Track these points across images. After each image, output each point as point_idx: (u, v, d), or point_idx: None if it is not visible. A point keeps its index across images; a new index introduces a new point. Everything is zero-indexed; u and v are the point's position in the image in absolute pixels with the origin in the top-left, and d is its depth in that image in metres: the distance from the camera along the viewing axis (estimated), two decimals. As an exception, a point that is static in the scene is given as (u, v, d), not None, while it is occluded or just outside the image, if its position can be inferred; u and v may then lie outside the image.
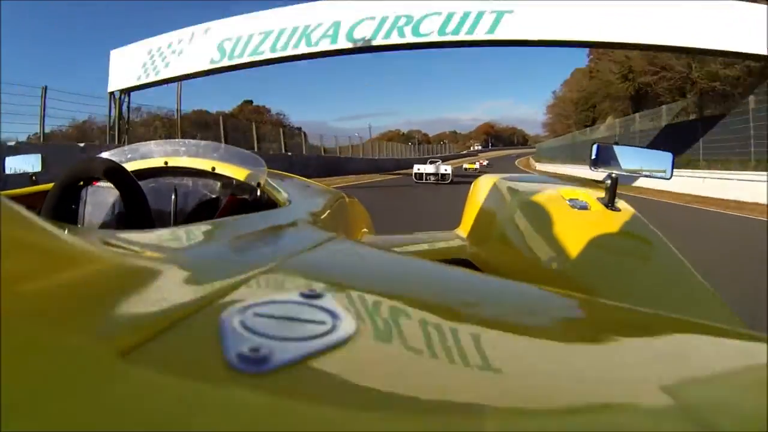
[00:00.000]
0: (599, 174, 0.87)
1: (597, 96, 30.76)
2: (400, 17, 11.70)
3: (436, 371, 0.22)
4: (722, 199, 8.33)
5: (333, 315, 0.25)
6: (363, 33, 12.00)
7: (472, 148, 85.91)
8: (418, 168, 15.94)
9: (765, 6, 9.42)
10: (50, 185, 0.87)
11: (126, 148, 1.12)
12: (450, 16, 11.41)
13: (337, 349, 0.22)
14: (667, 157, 0.88)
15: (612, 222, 0.82)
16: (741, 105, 12.66)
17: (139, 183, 0.87)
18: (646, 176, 0.89)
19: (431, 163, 16.91)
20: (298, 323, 0.24)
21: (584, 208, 0.85)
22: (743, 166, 10.49)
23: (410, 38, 11.79)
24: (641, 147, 0.92)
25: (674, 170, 0.87)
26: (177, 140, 1.16)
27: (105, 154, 0.99)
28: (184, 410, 0.16)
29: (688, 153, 13.21)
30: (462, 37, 11.50)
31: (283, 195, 0.97)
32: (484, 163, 37.75)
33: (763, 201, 7.21)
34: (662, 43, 10.58)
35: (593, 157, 0.88)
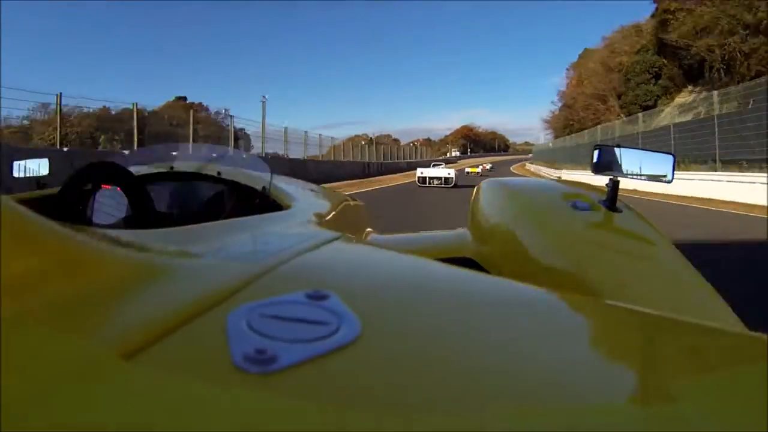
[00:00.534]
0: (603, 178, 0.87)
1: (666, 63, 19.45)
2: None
3: (440, 372, 0.22)
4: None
5: (338, 316, 0.25)
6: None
7: (449, 154, 77.13)
8: (421, 172, 15.62)
9: None
10: (56, 189, 0.89)
11: (133, 152, 1.14)
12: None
13: (342, 351, 0.22)
14: (668, 159, 0.89)
15: (613, 223, 0.83)
16: None
17: (145, 187, 0.88)
18: (648, 179, 0.89)
19: (434, 166, 16.75)
20: (304, 324, 0.24)
21: (585, 209, 0.86)
22: None
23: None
24: (643, 149, 0.92)
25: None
26: (185, 145, 1.17)
27: (112, 158, 1.00)
28: (189, 411, 0.16)
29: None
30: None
31: (288, 198, 0.97)
32: (488, 167, 37.75)
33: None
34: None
35: (595, 159, 0.89)
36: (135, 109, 12.03)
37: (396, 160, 30.05)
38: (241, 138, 16.73)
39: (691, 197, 9.80)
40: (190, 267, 0.33)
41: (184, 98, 35.46)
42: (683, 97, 17.96)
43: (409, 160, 32.35)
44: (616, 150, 0.88)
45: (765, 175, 8.23)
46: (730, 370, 0.26)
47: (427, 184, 15.01)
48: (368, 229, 1.26)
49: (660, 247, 0.77)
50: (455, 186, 14.31)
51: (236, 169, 1.11)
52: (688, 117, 15.02)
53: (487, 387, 0.21)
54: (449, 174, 15.15)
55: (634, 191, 9.89)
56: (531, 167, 35.70)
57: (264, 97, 18.71)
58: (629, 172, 0.87)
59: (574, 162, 21.30)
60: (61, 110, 9.52)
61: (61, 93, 9.39)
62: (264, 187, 1.02)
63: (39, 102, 10.53)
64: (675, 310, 0.62)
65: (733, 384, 0.24)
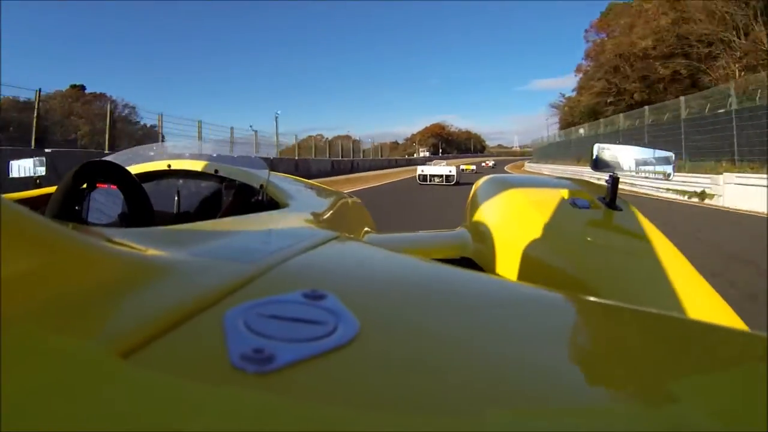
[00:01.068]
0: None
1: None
2: None
3: (438, 372, 0.22)
4: None
5: (336, 315, 0.25)
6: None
7: (417, 155, 69.69)
8: (422, 170, 15.50)
9: None
10: (54, 188, 0.88)
11: (129, 150, 1.13)
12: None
13: (340, 350, 0.22)
14: (669, 156, 0.88)
15: (613, 221, 0.83)
16: None
17: (143, 185, 0.88)
18: (648, 176, 0.89)
19: (435, 164, 16.65)
20: (301, 324, 0.24)
21: (585, 207, 0.86)
22: None
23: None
24: (643, 146, 0.92)
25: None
26: (181, 143, 1.17)
27: (109, 157, 1.00)
28: (186, 411, 0.16)
29: None
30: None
31: (285, 196, 0.97)
32: (491, 164, 37.85)
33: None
34: None
35: (594, 156, 0.88)
36: (38, 98, 9.32)
37: (353, 158, 27.64)
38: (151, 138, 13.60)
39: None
40: (187, 266, 0.33)
41: (82, 87, 27.94)
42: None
43: (364, 159, 30.25)
44: (617, 147, 0.88)
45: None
46: (730, 369, 0.26)
47: (428, 182, 14.88)
48: (366, 228, 1.26)
49: (659, 245, 0.77)
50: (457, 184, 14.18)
51: (234, 167, 1.10)
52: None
53: (486, 387, 0.21)
54: (450, 171, 14.98)
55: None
56: (531, 167, 31.13)
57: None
58: (630, 170, 0.87)
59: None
60: None
61: None
62: (261, 185, 1.02)
63: None
64: (674, 309, 0.62)
65: (733, 383, 0.24)
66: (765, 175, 8.28)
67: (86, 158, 0.91)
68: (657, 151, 0.90)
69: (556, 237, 0.79)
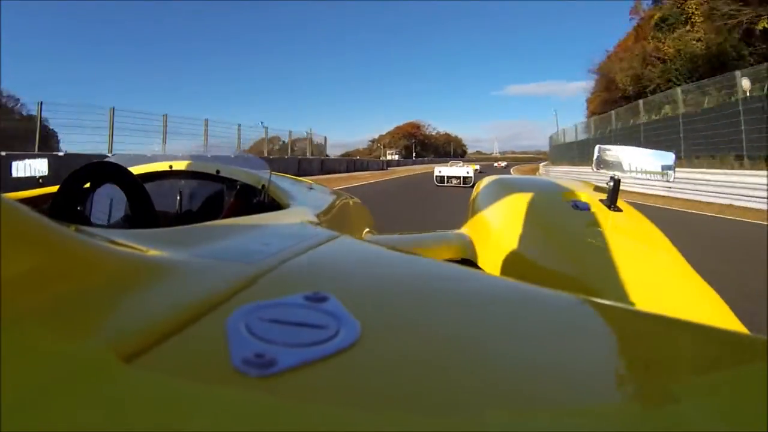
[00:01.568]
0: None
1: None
2: None
3: (440, 375, 0.22)
4: None
5: (338, 319, 0.25)
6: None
7: (384, 157, 56.82)
8: (439, 171, 15.33)
9: None
10: (56, 188, 0.88)
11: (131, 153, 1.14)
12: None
13: (341, 354, 0.22)
14: (669, 157, 0.88)
15: (613, 223, 0.83)
16: None
17: (145, 186, 0.88)
18: (648, 177, 0.89)
19: (452, 165, 16.54)
20: (303, 328, 0.24)
21: (586, 208, 0.86)
22: None
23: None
24: (643, 147, 0.92)
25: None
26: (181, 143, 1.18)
27: (111, 158, 1.00)
28: (188, 414, 0.16)
29: None
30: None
31: (287, 197, 0.97)
32: (503, 164, 37.50)
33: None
34: None
35: (595, 157, 0.88)
36: None
37: (314, 156, 25.36)
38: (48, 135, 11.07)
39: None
40: (189, 267, 0.33)
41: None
42: None
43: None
44: (617, 148, 0.88)
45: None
46: (730, 370, 0.26)
47: (445, 184, 14.68)
48: (367, 230, 1.26)
49: (660, 247, 0.77)
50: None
51: (235, 167, 1.11)
52: None
53: (487, 388, 0.21)
54: (468, 173, 14.72)
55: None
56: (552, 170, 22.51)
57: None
58: (630, 170, 0.87)
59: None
60: None
61: None
62: (263, 186, 1.02)
63: None
64: (674, 310, 0.62)
65: (733, 384, 0.24)
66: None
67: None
68: (658, 151, 0.90)
69: (557, 239, 0.79)
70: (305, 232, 0.62)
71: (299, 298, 0.27)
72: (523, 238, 0.81)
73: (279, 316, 0.25)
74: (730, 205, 8.63)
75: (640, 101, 15.86)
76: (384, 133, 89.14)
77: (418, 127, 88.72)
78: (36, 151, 9.36)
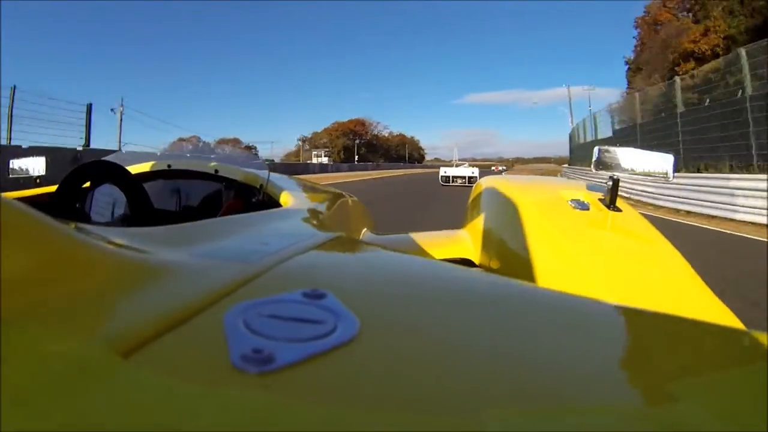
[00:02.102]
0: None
1: None
2: None
3: (438, 371, 0.22)
4: None
5: (336, 315, 0.25)
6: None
7: (312, 160, 49.23)
8: (444, 171, 15.84)
9: None
10: (54, 187, 0.88)
11: (129, 151, 1.13)
12: None
13: (340, 350, 0.22)
14: (669, 159, 0.89)
15: (613, 222, 0.83)
16: None
17: (143, 185, 0.88)
18: (647, 178, 0.89)
19: (457, 166, 16.87)
20: (301, 324, 0.24)
21: (585, 208, 0.86)
22: None
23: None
24: (643, 149, 0.92)
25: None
26: (181, 143, 1.17)
27: (109, 157, 1.00)
28: (187, 411, 0.16)
29: None
30: None
31: (285, 195, 0.97)
32: (501, 169, 37.64)
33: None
34: None
35: (595, 158, 0.89)
36: None
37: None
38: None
39: None
40: (188, 265, 0.33)
41: None
42: None
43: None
44: (617, 149, 0.88)
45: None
46: (730, 369, 0.26)
47: (450, 183, 15.11)
48: (365, 229, 1.26)
49: (659, 246, 0.77)
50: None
51: (233, 166, 1.10)
52: None
53: (485, 386, 0.21)
54: (473, 173, 15.16)
55: None
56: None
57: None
58: (630, 171, 0.87)
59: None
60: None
61: None
62: (261, 185, 1.02)
63: None
64: (673, 310, 0.62)
65: (733, 383, 0.24)
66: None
67: None
68: (658, 153, 0.91)
69: (557, 238, 0.79)
70: (304, 231, 0.62)
71: (297, 295, 0.27)
72: (522, 238, 0.81)
73: (277, 312, 0.25)
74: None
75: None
76: (320, 130, 68.57)
77: (363, 124, 68.72)
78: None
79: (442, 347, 0.25)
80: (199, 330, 0.23)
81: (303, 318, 0.24)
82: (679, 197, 8.13)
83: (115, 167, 0.87)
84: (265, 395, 0.18)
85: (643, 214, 0.91)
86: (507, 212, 0.95)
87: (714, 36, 16.53)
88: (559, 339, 0.29)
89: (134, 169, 1.11)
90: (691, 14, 18.52)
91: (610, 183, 0.86)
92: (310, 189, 1.20)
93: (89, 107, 11.48)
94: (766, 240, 5.22)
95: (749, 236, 5.52)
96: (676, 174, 0.90)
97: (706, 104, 9.13)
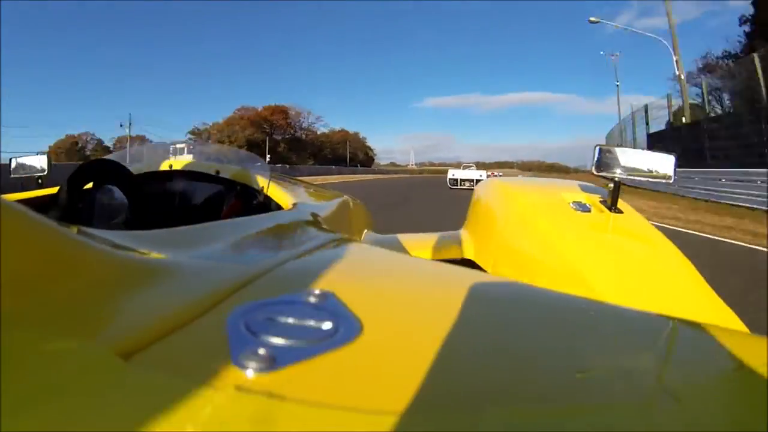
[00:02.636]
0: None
1: None
2: None
3: (440, 372, 0.22)
4: None
5: (338, 316, 0.25)
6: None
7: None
8: (452, 173, 16.04)
9: None
10: (56, 189, 0.88)
11: (132, 150, 1.14)
12: None
13: (341, 351, 0.22)
14: (670, 159, 0.88)
15: (614, 224, 0.83)
16: None
17: (144, 186, 0.88)
18: (649, 179, 0.89)
19: (465, 168, 17.00)
20: (302, 325, 0.24)
21: (587, 210, 0.86)
22: None
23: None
24: (644, 149, 0.92)
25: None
26: (182, 143, 1.17)
27: (110, 157, 1.00)
28: (189, 412, 0.16)
29: None
30: None
31: (287, 198, 0.97)
32: (499, 174, 37.56)
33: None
34: None
35: (596, 159, 0.88)
36: None
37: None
38: None
39: None
40: (189, 268, 0.33)
41: None
42: None
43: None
44: (618, 150, 0.88)
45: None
46: (731, 370, 0.27)
47: (458, 186, 15.28)
48: (365, 230, 1.26)
49: (661, 248, 0.77)
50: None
51: (235, 168, 1.11)
52: None
53: (486, 387, 0.21)
54: (481, 176, 15.25)
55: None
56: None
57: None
58: (631, 173, 0.87)
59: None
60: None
61: None
62: (263, 187, 1.02)
63: None
64: (675, 311, 0.62)
65: (734, 384, 0.24)
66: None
67: None
68: (659, 153, 0.90)
69: (558, 239, 0.79)
70: (305, 232, 0.62)
71: (299, 297, 0.27)
72: (523, 239, 0.81)
73: (279, 313, 0.25)
74: None
75: None
76: (221, 121, 46.57)
77: (284, 113, 47.40)
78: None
79: (443, 348, 0.25)
80: (201, 331, 0.23)
81: (304, 320, 0.24)
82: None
83: (117, 167, 0.87)
84: (267, 396, 0.18)
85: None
86: (508, 213, 0.95)
87: None
88: (559, 340, 0.29)
89: (136, 169, 1.12)
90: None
91: (612, 185, 0.86)
92: (312, 191, 1.20)
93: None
94: None
95: None
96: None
97: None
